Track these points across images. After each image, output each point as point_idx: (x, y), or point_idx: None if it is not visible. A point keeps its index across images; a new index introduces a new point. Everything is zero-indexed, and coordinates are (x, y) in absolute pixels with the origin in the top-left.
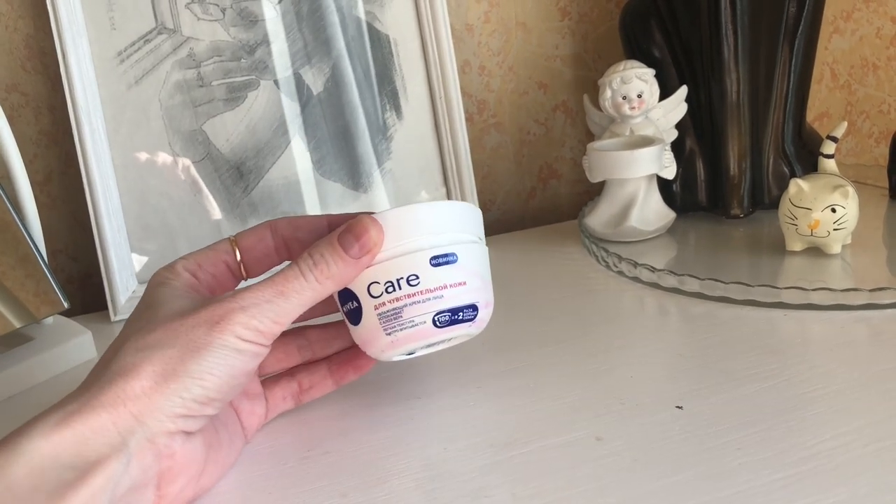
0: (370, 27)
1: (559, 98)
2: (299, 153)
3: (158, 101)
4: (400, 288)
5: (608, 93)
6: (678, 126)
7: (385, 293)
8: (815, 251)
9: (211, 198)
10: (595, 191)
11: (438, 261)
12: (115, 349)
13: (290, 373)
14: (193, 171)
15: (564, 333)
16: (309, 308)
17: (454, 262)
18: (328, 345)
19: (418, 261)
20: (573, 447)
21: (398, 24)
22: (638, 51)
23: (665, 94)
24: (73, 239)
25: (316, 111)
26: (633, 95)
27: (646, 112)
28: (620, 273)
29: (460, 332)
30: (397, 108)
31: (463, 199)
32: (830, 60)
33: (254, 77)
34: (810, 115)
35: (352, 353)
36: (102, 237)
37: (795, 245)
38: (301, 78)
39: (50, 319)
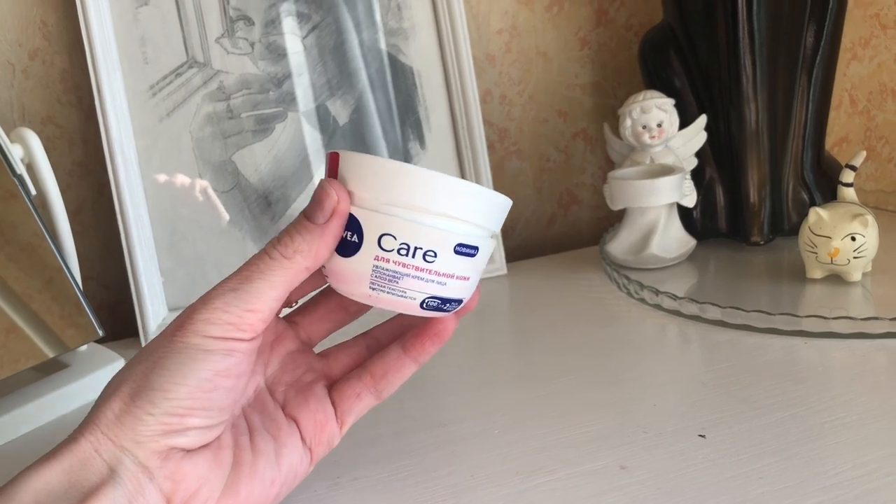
0: (394, 59)
1: (579, 126)
2: None
3: (189, 132)
4: (413, 257)
5: (628, 122)
6: (698, 154)
7: (396, 252)
8: (836, 279)
9: (240, 227)
10: (615, 216)
11: (462, 250)
12: None
13: (360, 365)
14: (223, 200)
15: (587, 361)
16: (290, 289)
17: (473, 256)
18: (401, 335)
19: (444, 241)
20: (598, 475)
21: (422, 56)
22: (657, 80)
23: (685, 122)
24: (104, 267)
25: (341, 142)
26: (653, 125)
27: (666, 141)
28: (642, 300)
29: (431, 315)
30: (420, 138)
31: None
32: (849, 86)
33: (281, 109)
34: (829, 141)
35: (427, 323)
36: (134, 265)
37: (815, 273)
38: (327, 109)
39: (84, 347)
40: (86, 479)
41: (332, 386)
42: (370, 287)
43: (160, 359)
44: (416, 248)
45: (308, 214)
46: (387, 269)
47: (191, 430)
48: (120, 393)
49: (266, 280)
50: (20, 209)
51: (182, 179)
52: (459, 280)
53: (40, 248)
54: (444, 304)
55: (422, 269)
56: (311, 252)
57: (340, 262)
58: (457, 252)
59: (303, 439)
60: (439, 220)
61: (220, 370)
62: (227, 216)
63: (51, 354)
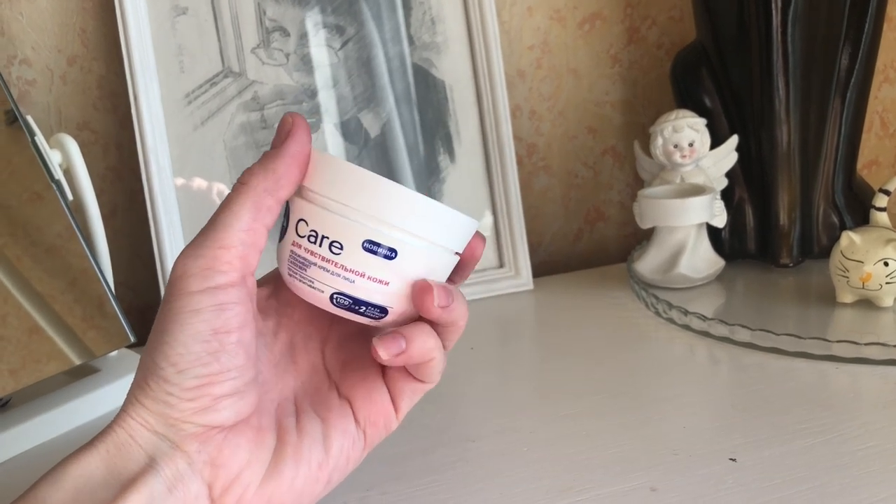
0: (427, 73)
1: (608, 143)
2: None
3: (223, 141)
4: (320, 246)
5: (659, 141)
6: (728, 174)
7: (307, 240)
8: (867, 303)
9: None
10: (642, 234)
11: (372, 248)
12: None
13: None
14: None
15: (616, 381)
16: (258, 217)
17: (390, 258)
18: None
19: (351, 233)
20: (629, 497)
21: (454, 71)
22: (689, 99)
23: (716, 142)
24: (133, 272)
25: (372, 154)
26: (685, 144)
27: (697, 160)
28: (670, 320)
29: (357, 320)
30: (450, 152)
31: (512, 240)
32: (880, 109)
33: (314, 120)
34: (859, 164)
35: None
36: (165, 271)
37: (846, 297)
38: (359, 122)
39: (115, 352)
40: (124, 467)
41: (386, 368)
42: (288, 273)
43: (158, 333)
44: (322, 237)
45: (273, 142)
46: (298, 256)
47: (221, 401)
48: (137, 378)
49: (228, 211)
50: (46, 211)
51: (214, 188)
52: (373, 282)
53: (64, 250)
54: (356, 304)
55: (328, 261)
56: (266, 172)
57: (278, 245)
58: (366, 249)
59: (356, 421)
60: (348, 211)
61: (217, 327)
62: None
63: (76, 359)
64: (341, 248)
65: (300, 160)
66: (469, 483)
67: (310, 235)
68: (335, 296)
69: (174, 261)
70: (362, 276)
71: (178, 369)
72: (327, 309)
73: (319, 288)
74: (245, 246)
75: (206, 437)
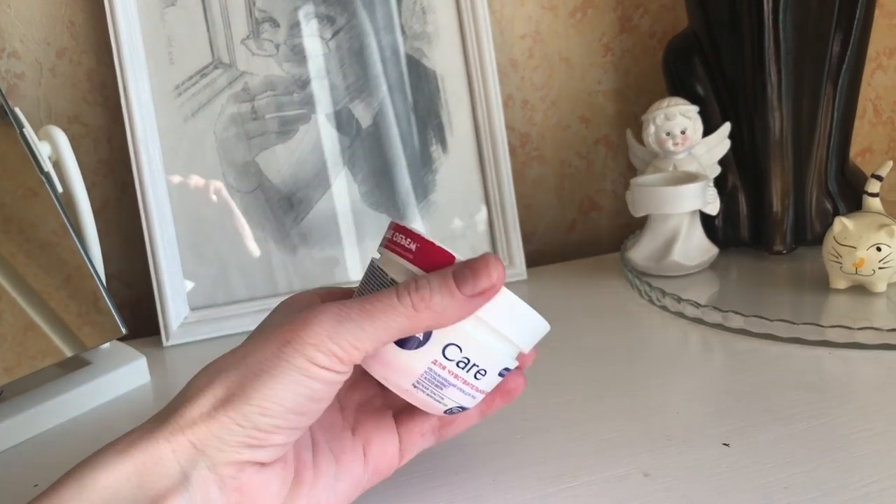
0: (418, 63)
1: (601, 132)
2: (347, 185)
3: (213, 133)
4: (467, 371)
5: (652, 129)
6: (721, 162)
7: (455, 364)
8: (860, 289)
9: (262, 228)
10: (635, 224)
11: (504, 373)
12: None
13: None
14: (246, 201)
15: (610, 368)
16: (396, 336)
17: (504, 375)
18: None
19: (494, 362)
20: (622, 482)
21: (445, 61)
22: (681, 87)
23: (708, 130)
24: (127, 265)
25: (364, 144)
26: (677, 132)
27: (689, 148)
28: (664, 308)
29: (437, 414)
30: (443, 142)
31: (505, 230)
32: (873, 96)
33: (305, 111)
34: (852, 151)
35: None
36: (157, 264)
37: (839, 283)
38: (350, 112)
39: (107, 345)
40: (155, 482)
41: (398, 418)
42: (413, 384)
43: (260, 372)
44: (473, 365)
45: (458, 279)
46: (438, 376)
47: (273, 446)
48: (208, 395)
49: (385, 322)
50: (40, 207)
51: (205, 180)
52: (483, 395)
53: (59, 247)
54: (461, 409)
55: (468, 384)
56: (440, 316)
57: (394, 349)
58: (500, 374)
59: (366, 465)
60: (499, 342)
61: (315, 397)
62: (244, 220)
63: (68, 352)
64: (484, 375)
65: (472, 312)
66: (461, 470)
67: (460, 361)
68: (454, 408)
69: (310, 314)
70: (484, 393)
71: (265, 414)
72: (430, 412)
73: (445, 403)
74: (375, 350)
75: (243, 467)
